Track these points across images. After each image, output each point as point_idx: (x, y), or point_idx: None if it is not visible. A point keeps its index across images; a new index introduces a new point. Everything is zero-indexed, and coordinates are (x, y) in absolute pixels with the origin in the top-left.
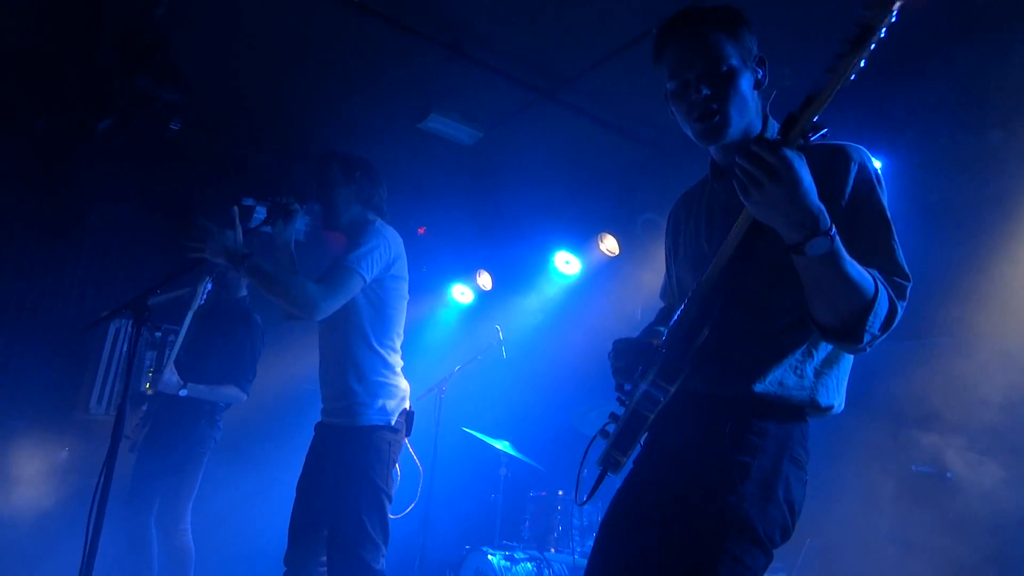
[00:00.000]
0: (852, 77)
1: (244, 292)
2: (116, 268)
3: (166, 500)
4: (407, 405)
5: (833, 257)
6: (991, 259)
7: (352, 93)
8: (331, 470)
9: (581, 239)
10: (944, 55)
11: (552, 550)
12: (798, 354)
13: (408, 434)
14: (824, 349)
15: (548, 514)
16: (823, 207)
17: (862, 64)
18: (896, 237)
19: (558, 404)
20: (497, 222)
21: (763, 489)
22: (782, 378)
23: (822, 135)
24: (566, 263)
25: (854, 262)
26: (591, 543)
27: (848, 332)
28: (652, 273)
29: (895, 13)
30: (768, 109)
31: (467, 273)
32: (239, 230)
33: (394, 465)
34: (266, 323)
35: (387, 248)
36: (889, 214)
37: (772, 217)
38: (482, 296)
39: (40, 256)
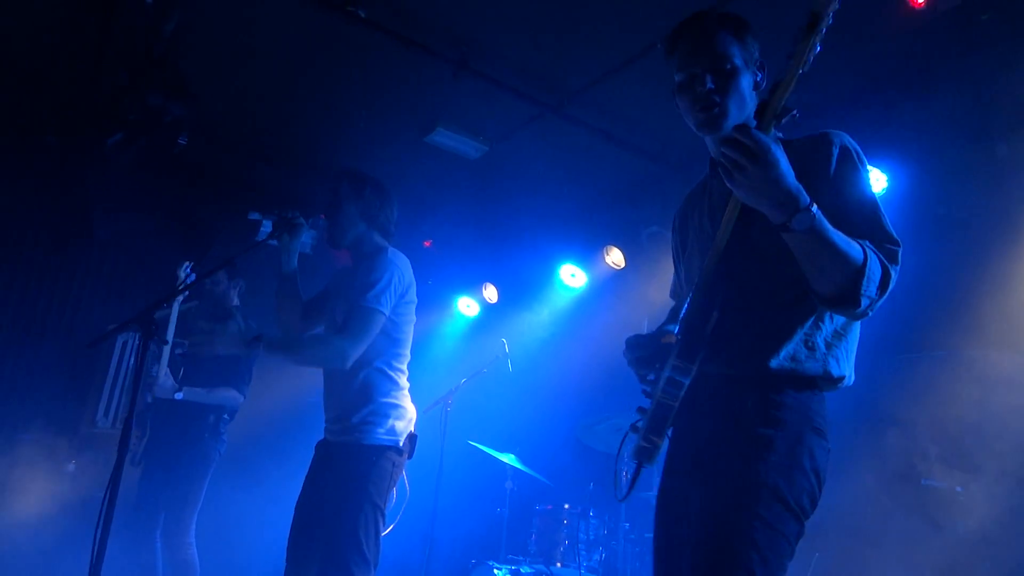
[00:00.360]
0: (811, 60)
1: (236, 302)
2: (124, 281)
3: (171, 513)
4: (412, 429)
5: (817, 230)
6: (1000, 270)
7: (359, 107)
8: (332, 486)
9: (587, 252)
10: (950, 69)
11: (558, 564)
12: (807, 327)
13: (410, 457)
14: (832, 321)
15: (554, 528)
16: (800, 186)
17: (817, 49)
18: (881, 207)
19: (564, 417)
20: (503, 235)
21: (788, 458)
22: (795, 352)
23: (792, 116)
24: (572, 276)
25: (839, 233)
26: (597, 556)
27: (846, 298)
28: (658, 286)
29: (838, 2)
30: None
31: (473, 286)
32: (239, 316)
33: (394, 485)
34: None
35: (401, 278)
36: (871, 187)
37: (757, 199)
38: (488, 309)
39: (49, 269)
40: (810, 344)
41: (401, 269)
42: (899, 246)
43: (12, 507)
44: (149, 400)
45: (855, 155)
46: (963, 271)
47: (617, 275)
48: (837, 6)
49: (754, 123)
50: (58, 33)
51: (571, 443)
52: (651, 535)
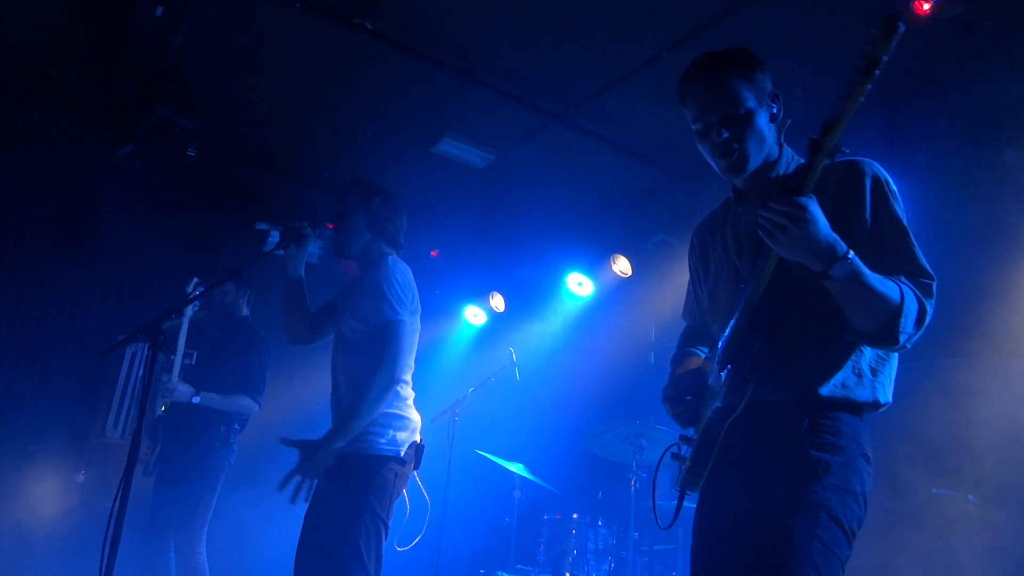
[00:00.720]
0: (862, 100)
1: (246, 312)
2: (134, 292)
3: (181, 523)
4: (417, 438)
5: (856, 275)
6: (1007, 278)
7: (366, 118)
8: (334, 498)
9: (594, 260)
10: (958, 79)
11: (567, 574)
12: (853, 355)
13: (416, 467)
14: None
15: (563, 537)
16: (837, 237)
17: (869, 88)
18: (914, 240)
19: (572, 426)
20: (510, 244)
21: (843, 483)
22: (844, 380)
23: (843, 153)
24: (579, 284)
25: (875, 275)
26: (606, 566)
27: (885, 335)
28: (665, 294)
29: (895, 45)
30: (783, 137)
31: (480, 295)
32: (307, 446)
33: (398, 497)
34: (275, 346)
35: (403, 282)
36: (904, 219)
37: (798, 254)
38: (495, 318)
39: (59, 280)
40: (857, 371)
41: (401, 274)
42: (933, 280)
43: (22, 517)
44: (161, 412)
45: (887, 186)
46: (974, 277)
47: (624, 283)
48: (894, 47)
49: (793, 159)
50: (69, 45)
51: (579, 452)
52: (661, 546)
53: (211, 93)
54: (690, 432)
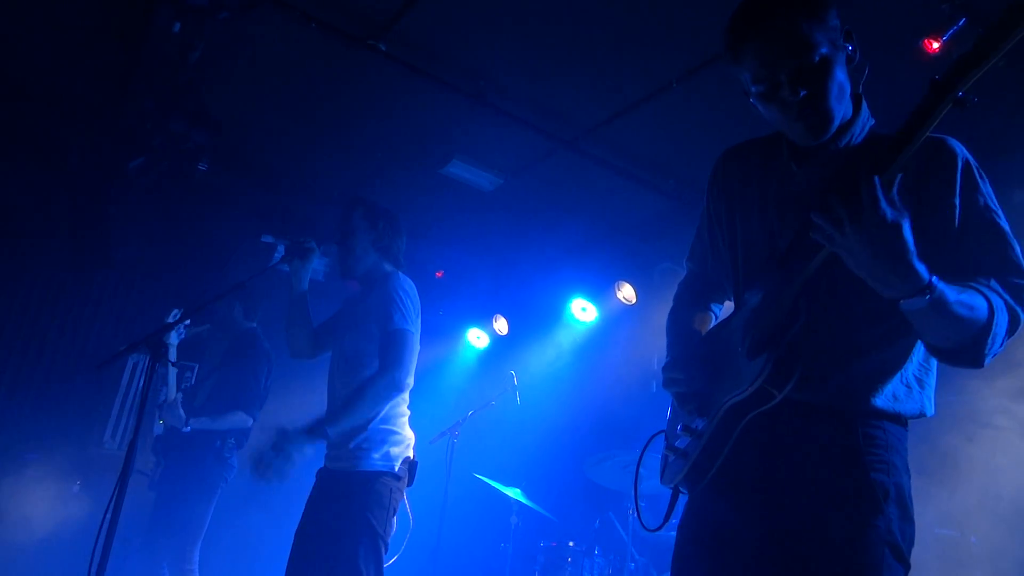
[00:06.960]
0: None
1: (247, 324)
2: (140, 303)
3: (173, 539)
4: (410, 454)
5: (935, 306)
6: None
7: (376, 137)
8: (331, 515)
9: (598, 287)
10: (964, 117)
11: None
12: (903, 364)
13: (410, 484)
14: (917, 350)
15: (558, 565)
16: (918, 267)
17: None
18: (1007, 230)
19: (571, 453)
20: (515, 267)
21: (901, 508)
22: (894, 391)
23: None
24: (583, 310)
25: (959, 294)
26: None
27: (964, 357)
28: None
29: None
30: (861, 87)
31: (484, 317)
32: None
33: (395, 512)
34: (277, 359)
35: (414, 299)
36: (997, 207)
37: (859, 267)
38: (498, 341)
39: (66, 290)
40: (905, 380)
41: (411, 289)
42: None
43: (17, 526)
44: (159, 425)
45: (977, 173)
46: None
47: (628, 310)
48: None
49: (868, 121)
50: (86, 58)
51: (577, 479)
52: (659, 574)
53: (225, 109)
54: (697, 424)
